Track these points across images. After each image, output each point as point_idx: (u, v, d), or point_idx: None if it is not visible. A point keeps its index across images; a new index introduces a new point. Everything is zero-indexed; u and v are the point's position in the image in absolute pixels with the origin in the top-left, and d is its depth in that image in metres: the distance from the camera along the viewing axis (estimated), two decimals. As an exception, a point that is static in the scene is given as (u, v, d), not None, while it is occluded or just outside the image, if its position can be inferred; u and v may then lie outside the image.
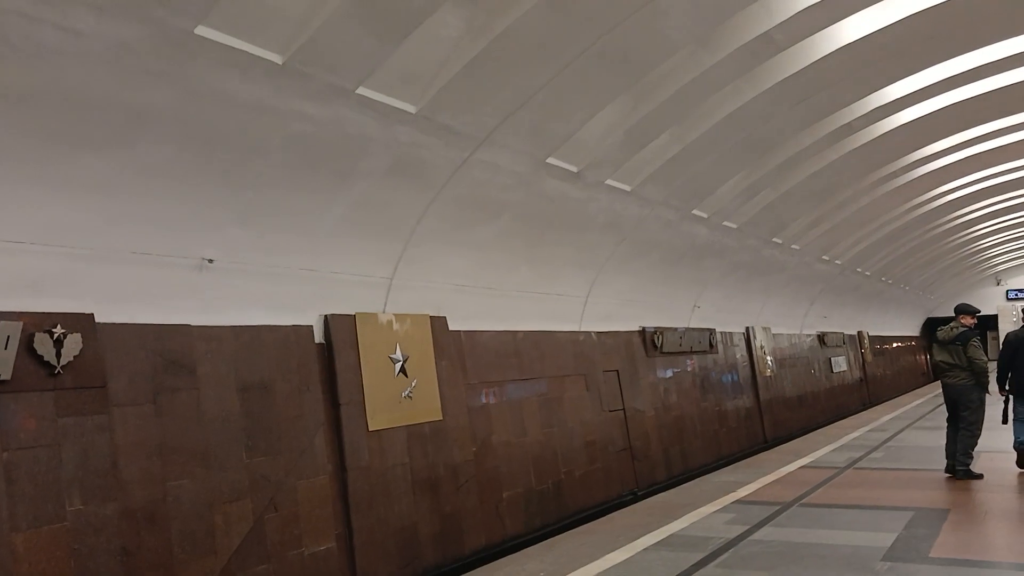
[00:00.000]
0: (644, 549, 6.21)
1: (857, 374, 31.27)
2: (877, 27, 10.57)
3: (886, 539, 6.29)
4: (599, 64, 9.03)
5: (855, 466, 10.28)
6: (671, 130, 11.67)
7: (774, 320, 22.96)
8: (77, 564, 6.28)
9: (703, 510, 7.68)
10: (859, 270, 26.72)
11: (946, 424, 10.11)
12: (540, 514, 11.69)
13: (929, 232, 26.15)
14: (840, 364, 28.99)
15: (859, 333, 32.43)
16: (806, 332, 26.13)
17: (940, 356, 10.06)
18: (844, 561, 5.71)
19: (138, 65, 6.08)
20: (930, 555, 5.89)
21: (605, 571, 5.62)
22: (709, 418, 17.92)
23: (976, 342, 9.86)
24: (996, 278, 43.19)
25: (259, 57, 6.62)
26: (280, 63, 6.78)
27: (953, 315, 10.37)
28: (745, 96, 11.45)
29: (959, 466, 9.73)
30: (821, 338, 27.29)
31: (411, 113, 8.19)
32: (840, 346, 29.32)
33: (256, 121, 7.19)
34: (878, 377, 34.43)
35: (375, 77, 7.55)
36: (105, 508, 6.54)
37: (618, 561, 5.87)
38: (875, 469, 10.12)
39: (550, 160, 10.43)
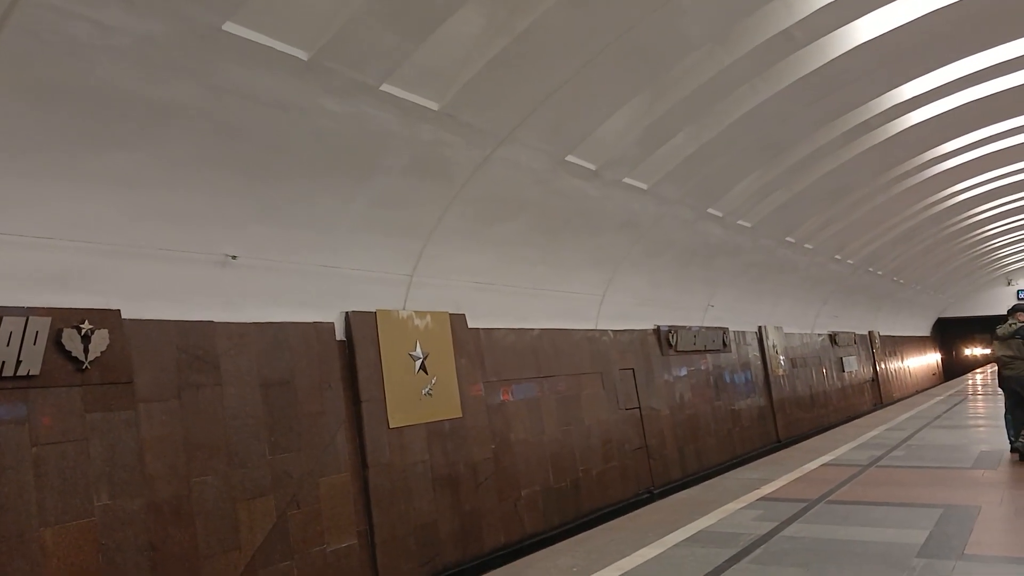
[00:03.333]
0: (675, 545, 6.18)
1: (868, 374, 31.19)
2: (895, 25, 10.55)
3: (919, 536, 6.25)
4: (618, 62, 9.03)
5: (878, 464, 10.25)
6: (688, 129, 11.65)
7: (786, 319, 22.91)
8: (105, 558, 6.29)
9: (730, 507, 7.65)
10: (871, 270, 26.66)
11: (1005, 412, 10.70)
12: (558, 512, 11.68)
13: (941, 232, 26.08)
14: (851, 364, 28.92)
15: (870, 333, 32.34)
16: (817, 332, 26.08)
17: (1001, 351, 10.64)
18: (879, 558, 5.67)
19: (165, 60, 6.10)
20: (965, 552, 5.85)
21: (638, 567, 5.60)
22: (723, 417, 17.89)
23: None
24: (1007, 278, 43.03)
25: (285, 53, 6.63)
26: (305, 59, 6.79)
27: (1007, 313, 11.19)
28: (762, 95, 11.44)
29: None
30: (832, 338, 27.23)
31: (433, 110, 8.20)
32: (851, 345, 29.25)
33: (280, 117, 7.21)
34: (889, 377, 34.34)
35: (398, 74, 7.57)
36: (132, 503, 6.55)
37: (649, 557, 5.85)
38: (898, 467, 10.10)
39: (569, 158, 10.43)
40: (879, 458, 10.74)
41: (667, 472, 14.99)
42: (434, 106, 8.20)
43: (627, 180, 11.89)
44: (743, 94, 11.37)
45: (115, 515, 6.43)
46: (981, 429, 14.48)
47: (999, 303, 42.34)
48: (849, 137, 14.44)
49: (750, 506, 7.71)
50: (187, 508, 7.00)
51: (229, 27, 6.17)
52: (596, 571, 5.51)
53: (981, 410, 18.96)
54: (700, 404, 17.00)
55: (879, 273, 27.72)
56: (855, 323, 30.14)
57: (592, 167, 10.96)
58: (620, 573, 5.49)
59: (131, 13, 5.63)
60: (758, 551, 6.05)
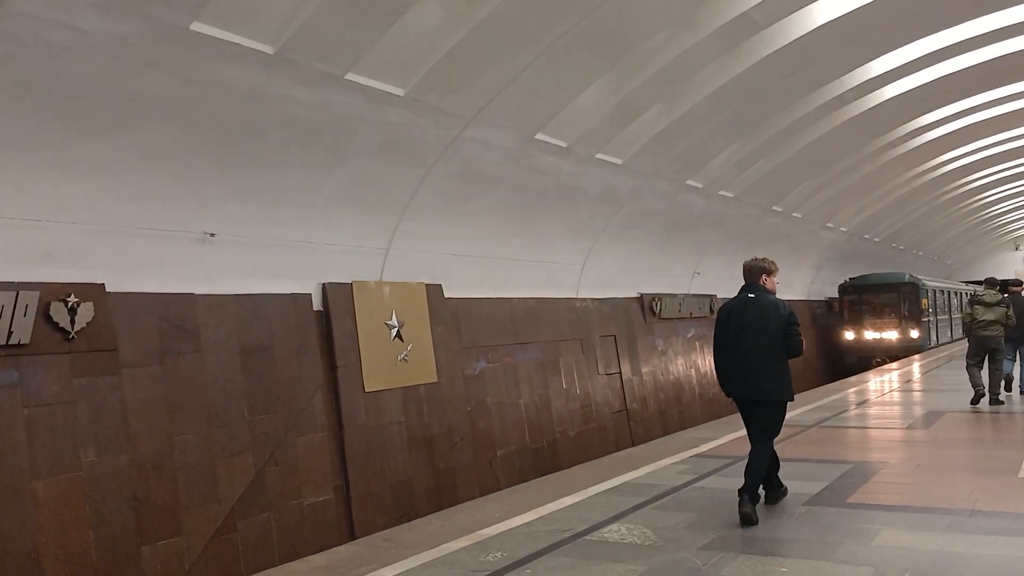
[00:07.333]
0: (596, 494, 6.82)
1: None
2: (856, 5, 10.92)
3: (816, 487, 6.85)
4: (580, 46, 9.50)
5: (821, 424, 10.81)
6: (659, 105, 12.10)
7: (779, 286, 23.25)
8: (92, 509, 7.00)
9: (663, 462, 8.24)
10: (867, 236, 26.95)
11: (975, 367, 11.82)
12: (534, 470, 12.33)
13: (938, 199, 26.33)
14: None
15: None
16: (813, 298, 26.48)
17: (985, 315, 11.68)
18: (769, 506, 6.29)
19: (138, 57, 6.67)
20: (847, 501, 6.45)
21: (554, 512, 6.27)
22: (709, 382, 18.43)
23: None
24: (1015, 243, 43.14)
25: (251, 48, 7.18)
26: (271, 53, 7.33)
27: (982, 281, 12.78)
28: (731, 72, 11.86)
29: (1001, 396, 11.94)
30: (829, 304, 27.61)
31: (399, 96, 8.72)
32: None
33: (250, 105, 7.77)
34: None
35: (362, 64, 8.10)
36: (117, 460, 7.25)
37: (568, 504, 6.51)
38: (839, 427, 10.66)
39: (539, 136, 10.93)
40: (826, 419, 11.27)
41: (648, 434, 15.59)
42: (400, 92, 8.72)
43: (600, 156, 12.37)
44: (712, 72, 11.79)
45: (101, 470, 7.13)
46: (944, 393, 14.83)
47: (1007, 268, 42.53)
48: (826, 110, 14.82)
49: (682, 461, 8.29)
50: (169, 464, 7.70)
51: (196, 27, 6.72)
52: (516, 515, 6.17)
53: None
54: (685, 369, 17.58)
55: (876, 240, 28.00)
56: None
57: (563, 144, 11.44)
58: (536, 517, 6.13)
59: (103, 17, 6.20)
60: (666, 499, 6.65)
